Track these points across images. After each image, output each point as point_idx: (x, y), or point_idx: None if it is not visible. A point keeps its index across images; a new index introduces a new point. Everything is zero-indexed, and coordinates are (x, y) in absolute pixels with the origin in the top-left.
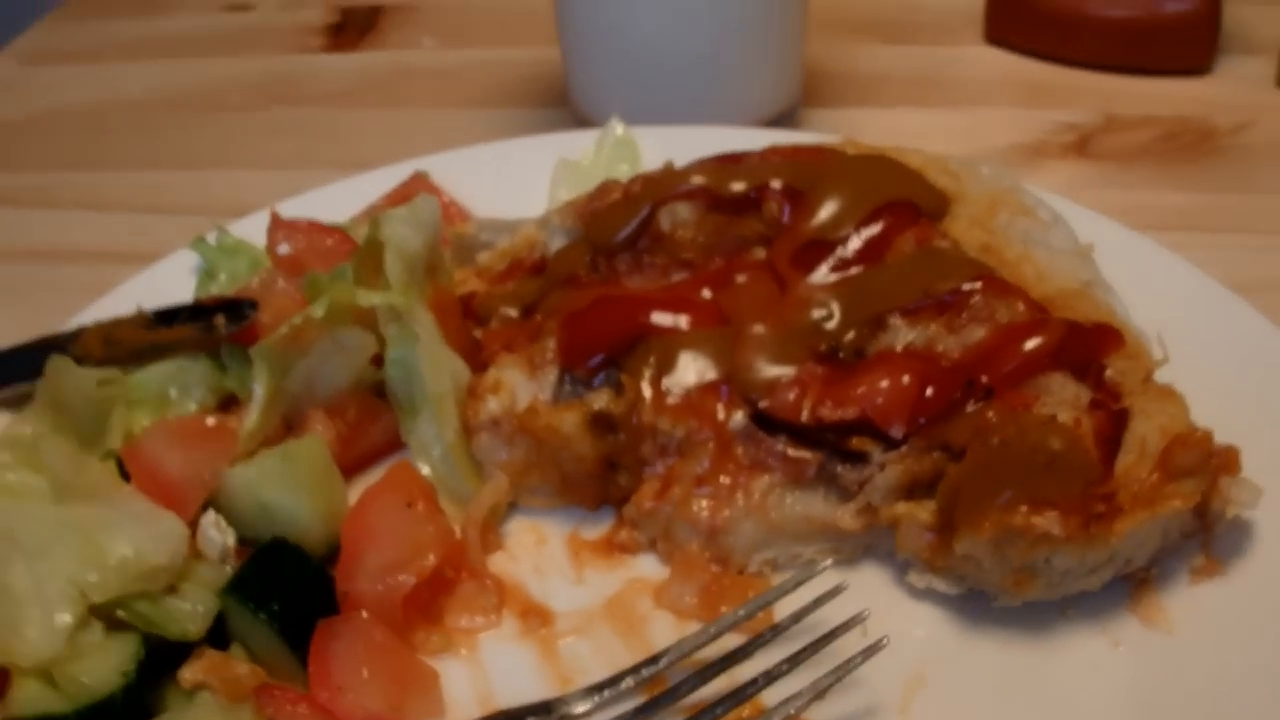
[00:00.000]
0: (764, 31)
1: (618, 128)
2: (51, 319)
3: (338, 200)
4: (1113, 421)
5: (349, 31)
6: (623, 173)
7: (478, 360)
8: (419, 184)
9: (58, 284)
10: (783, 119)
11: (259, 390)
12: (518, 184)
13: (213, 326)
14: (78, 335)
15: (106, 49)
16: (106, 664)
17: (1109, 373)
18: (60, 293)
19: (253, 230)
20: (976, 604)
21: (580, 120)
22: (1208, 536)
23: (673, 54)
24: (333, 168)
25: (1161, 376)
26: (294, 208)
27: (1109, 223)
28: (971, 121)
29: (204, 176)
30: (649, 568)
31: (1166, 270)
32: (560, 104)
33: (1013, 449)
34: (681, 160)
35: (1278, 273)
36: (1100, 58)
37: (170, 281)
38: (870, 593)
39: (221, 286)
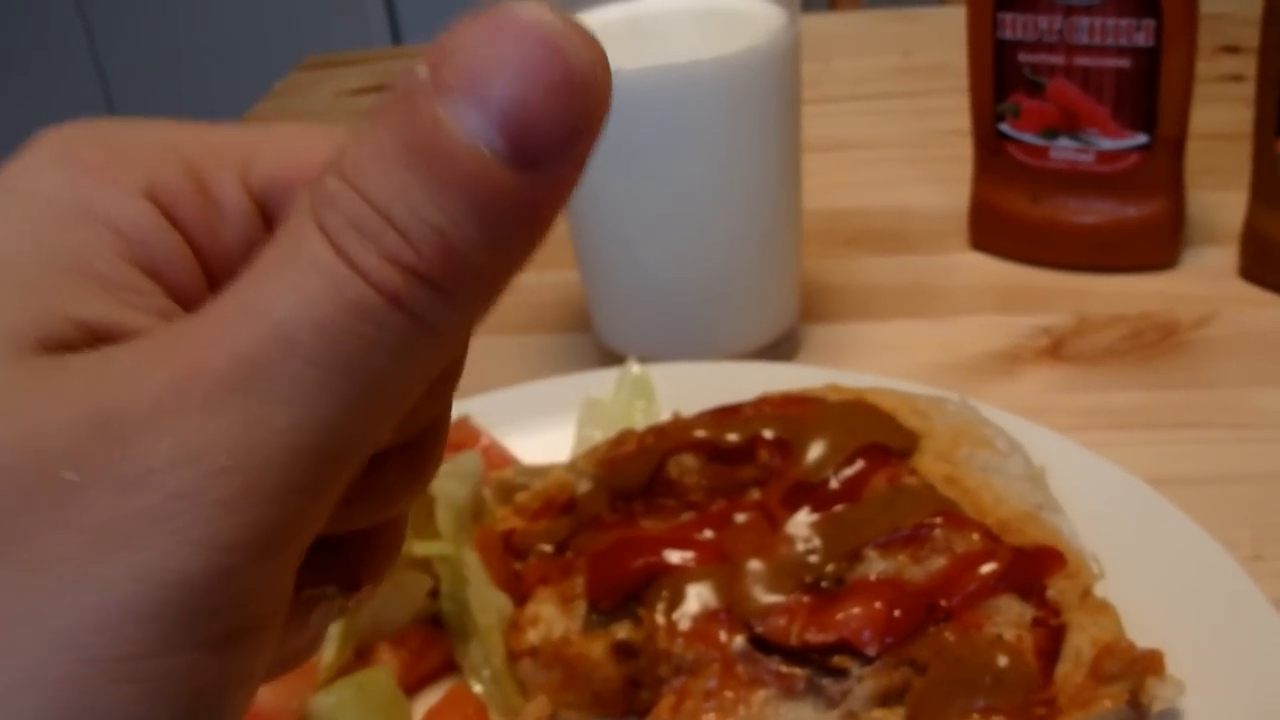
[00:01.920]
0: (761, 264)
1: (634, 367)
2: None
3: None
4: (1051, 636)
5: None
6: (639, 408)
7: (518, 592)
8: (462, 428)
9: None
10: (785, 338)
11: (335, 631)
12: (548, 422)
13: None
14: None
15: None
16: None
17: (1050, 592)
18: None
19: None
20: None
21: (603, 347)
22: None
23: (678, 290)
24: None
25: (1099, 589)
26: None
27: (1061, 439)
28: (954, 331)
29: None
30: None
31: (1106, 480)
32: (585, 328)
33: (965, 665)
34: (690, 393)
35: (1226, 466)
36: (1074, 260)
37: None
38: None
39: None
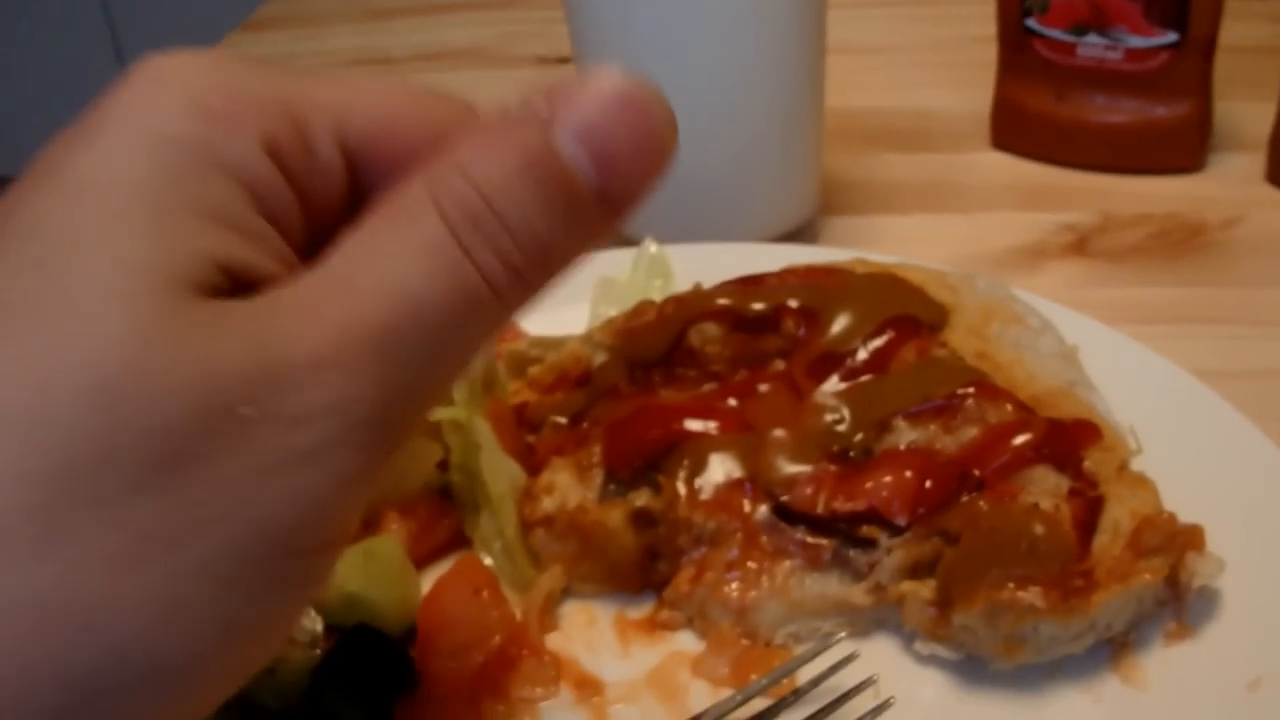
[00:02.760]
0: (782, 152)
1: (651, 247)
2: None
3: None
4: (1089, 507)
5: None
6: (656, 288)
7: (531, 463)
8: None
9: None
10: (804, 229)
11: None
12: (562, 299)
13: None
14: None
15: None
16: None
17: (1087, 464)
18: None
19: None
20: (975, 668)
21: (619, 235)
22: (1179, 605)
23: (696, 175)
24: None
25: (1136, 465)
26: None
27: (1094, 324)
28: (977, 226)
29: None
30: (687, 642)
31: (1144, 366)
32: None
33: (1000, 534)
34: (709, 274)
35: (1254, 361)
36: (1099, 160)
37: None
38: (881, 660)
39: None
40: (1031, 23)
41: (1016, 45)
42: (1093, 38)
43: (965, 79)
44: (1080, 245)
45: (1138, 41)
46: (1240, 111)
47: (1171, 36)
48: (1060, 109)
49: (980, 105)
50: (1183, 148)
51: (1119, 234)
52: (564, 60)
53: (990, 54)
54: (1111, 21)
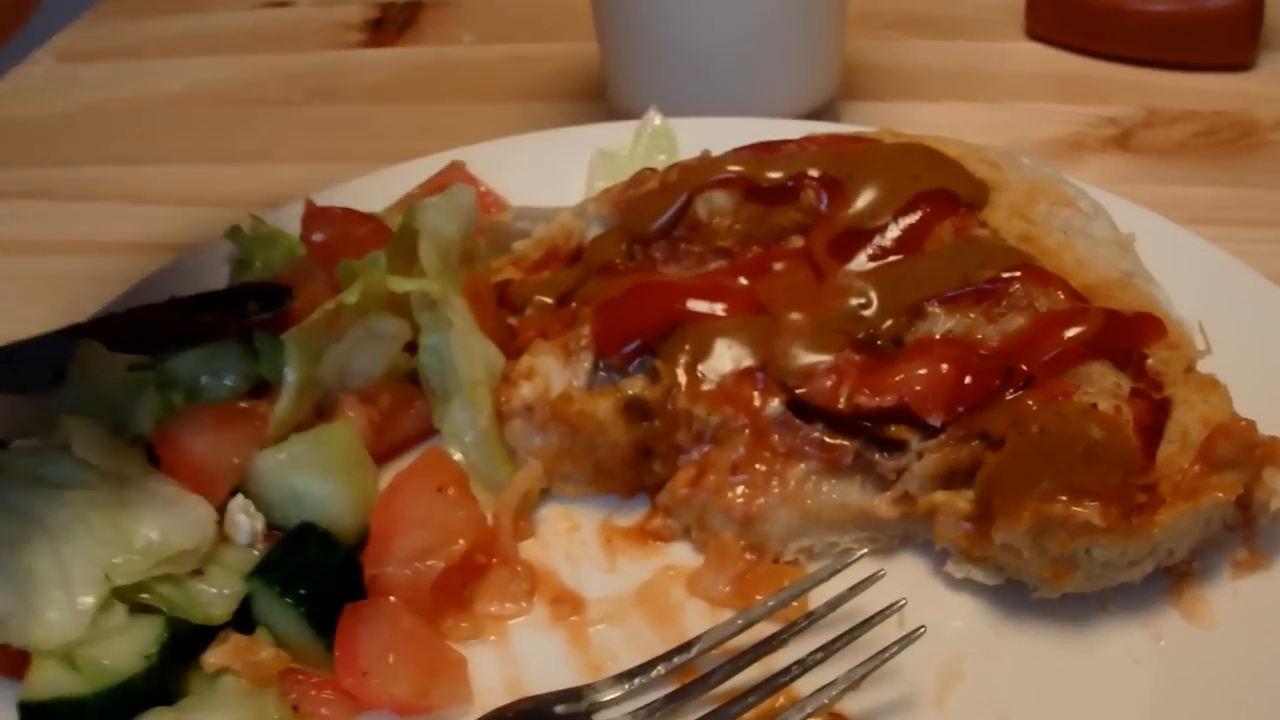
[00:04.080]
0: (802, 24)
1: (655, 118)
2: (90, 309)
3: (374, 190)
4: (1154, 411)
5: (388, 27)
6: (660, 163)
7: (512, 348)
8: (456, 174)
9: (97, 275)
10: (821, 112)
11: (290, 376)
12: (555, 175)
13: (246, 313)
14: (109, 322)
15: (146, 46)
16: (129, 647)
17: (1150, 362)
18: (100, 284)
19: (288, 220)
20: (1015, 595)
21: (617, 115)
22: (1251, 529)
23: (710, 47)
24: (371, 162)
25: (1204, 367)
26: (330, 197)
27: (1150, 215)
28: (1011, 116)
29: (244, 170)
30: (682, 555)
31: (1208, 263)
32: (598, 98)
33: (1052, 437)
34: (719, 151)
35: None
36: (1141, 52)
37: (206, 271)
38: (907, 582)
39: (256, 275)
40: None
41: None
42: None
43: None
44: (1123, 140)
45: None
46: None
47: None
48: None
49: None
50: (1232, 41)
51: (1164, 130)
52: None
53: None
54: None
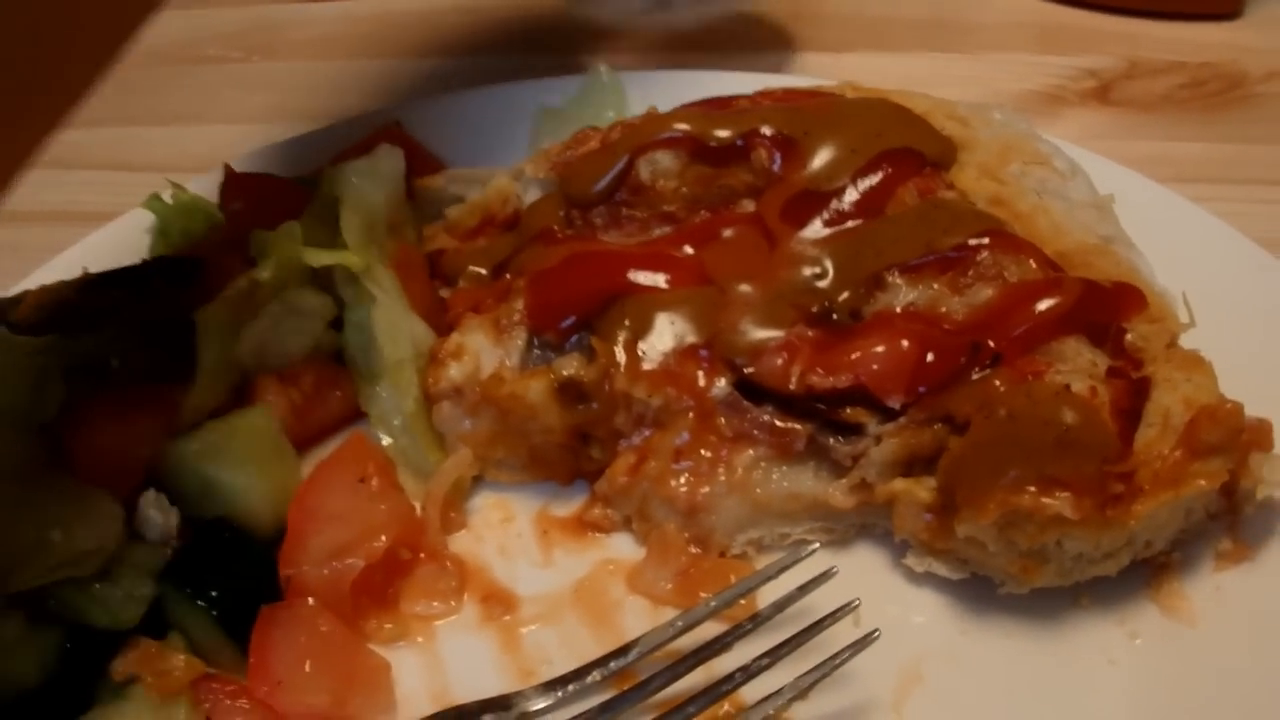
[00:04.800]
0: None
1: (603, 73)
2: (10, 283)
3: (303, 153)
4: (1132, 391)
5: None
6: (607, 120)
7: (443, 322)
8: (390, 135)
9: (22, 246)
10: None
11: (203, 358)
12: (497, 134)
13: (156, 291)
14: (18, 301)
15: None
16: (27, 657)
17: (1130, 337)
18: (24, 255)
19: (212, 187)
20: (980, 590)
21: None
22: (1235, 519)
23: None
24: (311, 121)
25: (1187, 341)
26: (254, 162)
27: (1132, 175)
28: (985, 67)
29: (176, 132)
30: (623, 548)
31: (1194, 226)
32: (548, 50)
33: (1021, 422)
34: (671, 104)
35: None
36: (1124, 0)
37: (123, 241)
38: (863, 578)
39: (176, 247)
40: None
41: None
42: None
43: None
44: (1103, 93)
45: None
46: None
47: None
48: None
49: None
50: None
51: (1147, 82)
52: None
53: None
54: None
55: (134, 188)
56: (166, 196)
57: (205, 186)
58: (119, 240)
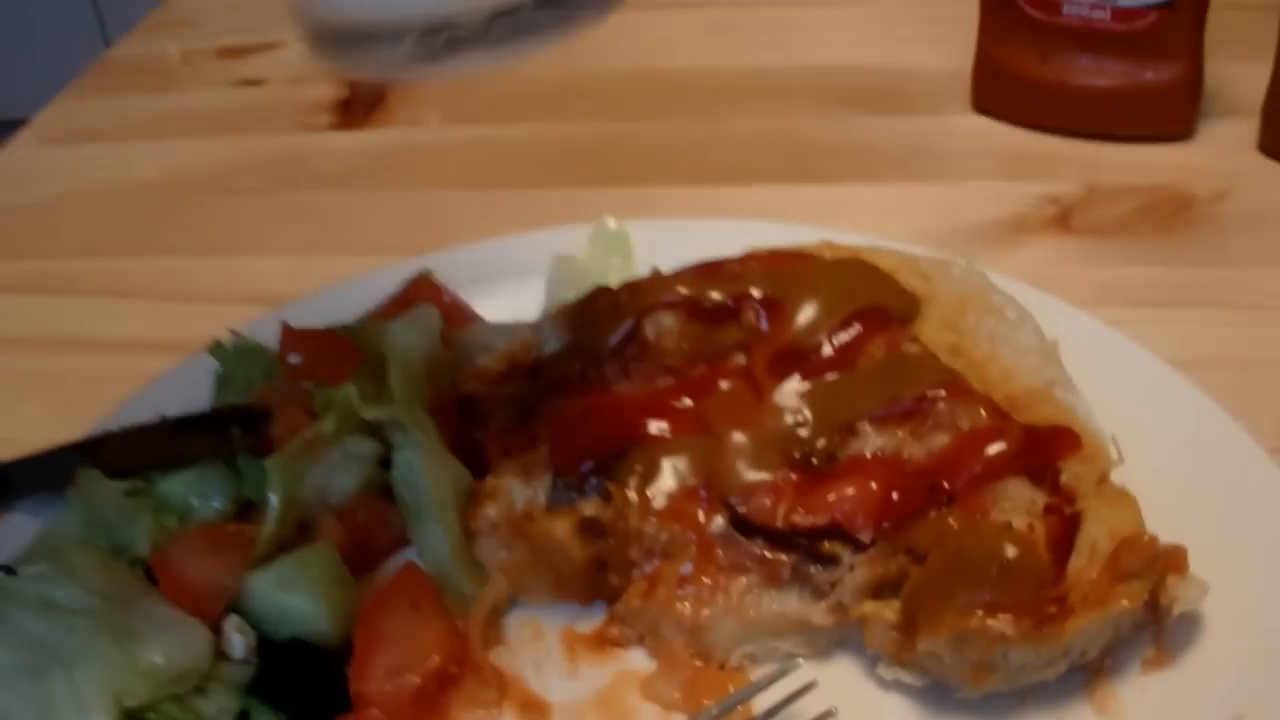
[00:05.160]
0: None
1: (610, 222)
2: (84, 409)
3: (346, 300)
4: (1065, 526)
5: (357, 108)
6: (615, 266)
7: (477, 461)
8: (423, 284)
9: (89, 374)
10: None
11: (274, 500)
12: (517, 279)
13: (229, 437)
14: (102, 443)
15: (122, 126)
16: None
17: (1064, 477)
18: (92, 382)
19: (265, 332)
20: (940, 695)
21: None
22: (1158, 630)
23: None
24: (341, 253)
25: (1117, 476)
26: (303, 309)
27: (1075, 312)
28: (955, 195)
29: (220, 263)
30: (638, 660)
31: (1128, 361)
32: (561, 184)
33: (969, 556)
34: (669, 251)
35: (1246, 348)
36: (1084, 126)
37: (191, 382)
38: (842, 684)
39: (237, 389)
40: None
41: (1000, 3)
42: None
43: (948, 35)
44: (1063, 219)
45: (1126, 0)
46: (1233, 73)
47: None
48: (1045, 70)
49: (962, 63)
50: (1172, 114)
51: (1104, 207)
52: None
53: (973, 9)
54: None
55: (184, 318)
56: (227, 342)
57: (258, 332)
58: (187, 381)
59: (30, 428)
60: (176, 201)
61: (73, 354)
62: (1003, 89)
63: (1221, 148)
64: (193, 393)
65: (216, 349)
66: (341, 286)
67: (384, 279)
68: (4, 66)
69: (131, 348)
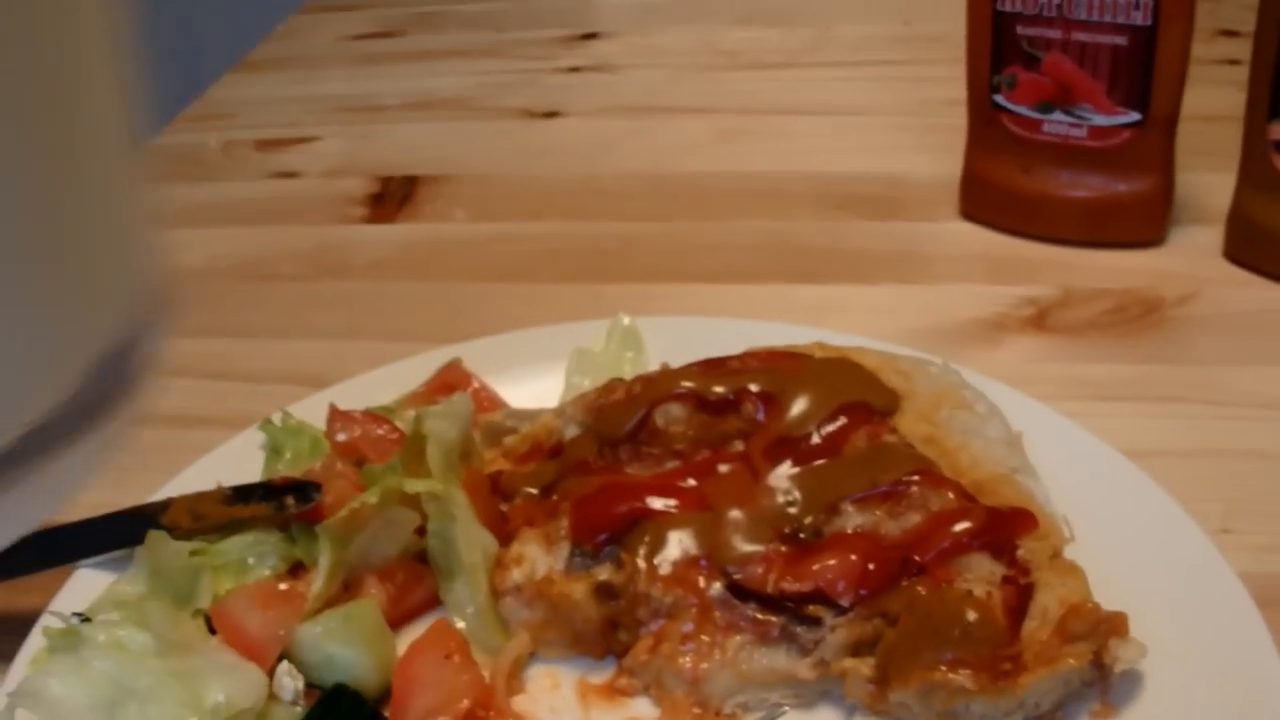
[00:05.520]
0: None
1: (624, 319)
2: (138, 477)
3: (386, 383)
4: (1020, 594)
5: (388, 202)
6: (629, 359)
7: (504, 531)
8: (454, 370)
9: (140, 446)
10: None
11: (324, 561)
12: (540, 368)
13: (283, 505)
14: (167, 506)
15: (168, 215)
16: None
17: (1021, 552)
18: (143, 454)
19: (311, 410)
20: None
21: None
22: (1104, 686)
23: None
24: (376, 338)
25: (1069, 552)
26: (346, 391)
27: (1040, 407)
28: (941, 297)
29: (263, 345)
30: (644, 708)
31: (1085, 451)
32: (571, 279)
33: (935, 619)
34: (677, 348)
35: (1204, 441)
36: (1062, 233)
37: (243, 455)
38: None
39: (286, 464)
40: (1000, 99)
41: (986, 119)
42: (1058, 115)
43: (940, 144)
44: (1039, 320)
45: (1101, 120)
46: (1203, 182)
47: (1134, 116)
48: (1027, 182)
49: (952, 171)
50: (1144, 222)
51: (1077, 309)
52: (550, 114)
53: (963, 117)
54: (1076, 100)
55: (233, 395)
56: (276, 420)
57: (304, 410)
58: (239, 454)
59: (91, 493)
60: (219, 287)
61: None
62: (988, 198)
63: (1189, 254)
64: (246, 465)
65: (267, 425)
66: (380, 372)
67: (420, 365)
68: None
69: (182, 421)
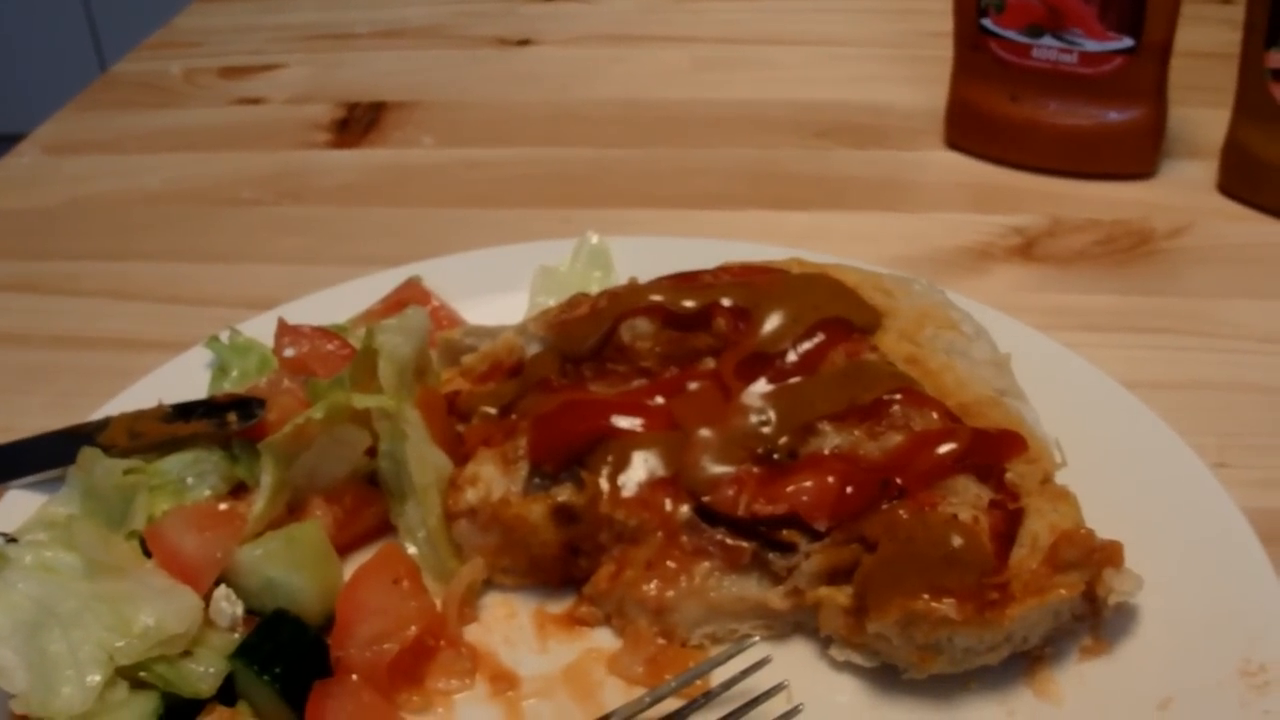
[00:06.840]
0: None
1: (592, 238)
2: (80, 401)
3: (339, 301)
4: (1008, 520)
5: (353, 127)
6: (596, 279)
7: (459, 452)
8: (412, 289)
9: (85, 369)
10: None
11: (266, 480)
12: (502, 288)
13: (225, 422)
14: (104, 425)
15: (127, 140)
16: (130, 718)
17: (1009, 476)
18: (87, 377)
19: (262, 329)
20: (889, 676)
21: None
22: (1096, 620)
23: None
24: (337, 264)
25: (1061, 478)
26: (299, 309)
27: (1029, 331)
28: (926, 225)
29: (220, 270)
30: (604, 639)
31: (1076, 376)
32: (547, 204)
33: (918, 544)
34: (649, 267)
35: (1193, 372)
36: (1050, 163)
37: (187, 374)
38: (796, 664)
39: (233, 381)
40: (987, 22)
41: (972, 44)
42: (1048, 40)
43: (924, 75)
44: (1026, 249)
45: (1093, 45)
46: (1195, 117)
47: (1127, 41)
48: (1014, 110)
49: (936, 102)
50: (1135, 153)
51: (1066, 239)
52: (523, 42)
53: (948, 50)
54: (1067, 24)
55: (185, 319)
56: (224, 337)
57: (254, 329)
58: (183, 373)
59: (29, 417)
60: (178, 211)
61: (73, 350)
62: (974, 127)
63: (1182, 187)
64: (190, 384)
65: (213, 342)
66: (335, 290)
67: (376, 284)
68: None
69: (131, 345)
